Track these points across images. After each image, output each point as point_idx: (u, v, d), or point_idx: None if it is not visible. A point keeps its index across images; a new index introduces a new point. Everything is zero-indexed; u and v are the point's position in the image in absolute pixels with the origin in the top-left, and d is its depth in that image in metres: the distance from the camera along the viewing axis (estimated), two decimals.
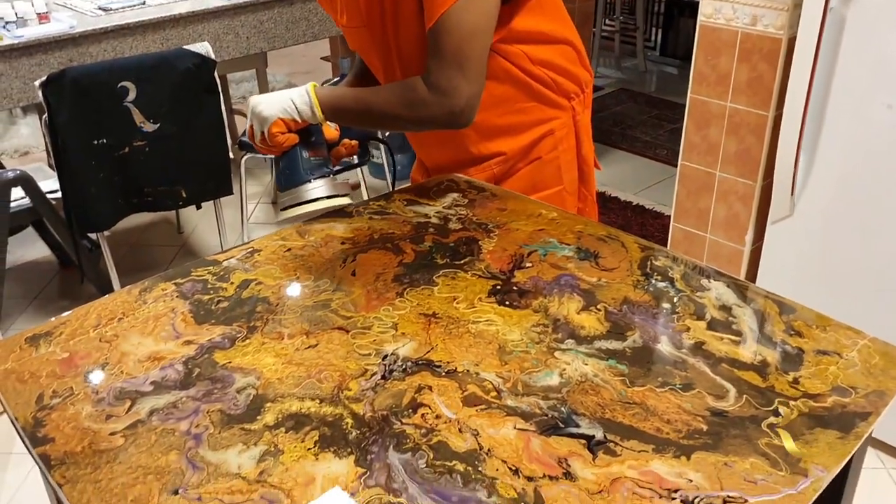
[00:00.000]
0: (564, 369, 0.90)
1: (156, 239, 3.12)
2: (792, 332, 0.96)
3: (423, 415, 0.84)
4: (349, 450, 0.80)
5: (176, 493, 0.76)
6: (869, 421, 0.81)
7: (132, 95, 2.22)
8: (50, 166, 2.50)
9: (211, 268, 1.14)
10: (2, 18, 2.47)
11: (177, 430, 0.84)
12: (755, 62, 1.97)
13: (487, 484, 0.75)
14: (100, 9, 2.71)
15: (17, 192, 2.31)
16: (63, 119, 2.15)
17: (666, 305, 1.02)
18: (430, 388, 0.88)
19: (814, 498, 0.73)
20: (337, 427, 0.83)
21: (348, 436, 0.82)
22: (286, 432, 0.83)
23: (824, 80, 1.76)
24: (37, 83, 2.12)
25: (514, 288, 1.06)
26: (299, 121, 1.22)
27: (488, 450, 0.79)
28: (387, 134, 2.61)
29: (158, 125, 2.28)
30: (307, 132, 1.25)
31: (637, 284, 1.07)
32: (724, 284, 1.06)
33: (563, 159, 1.38)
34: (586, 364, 0.91)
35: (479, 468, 0.77)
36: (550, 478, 0.76)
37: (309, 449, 0.80)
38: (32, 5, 2.52)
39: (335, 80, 3.06)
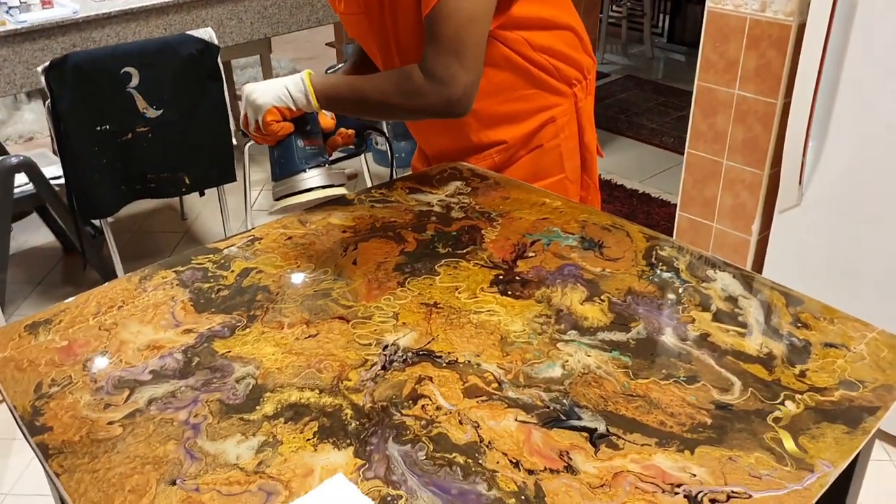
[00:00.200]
0: (567, 361, 0.89)
1: (159, 225, 3.11)
2: (799, 325, 0.95)
3: (423, 406, 0.83)
4: (348, 441, 0.79)
5: (173, 483, 0.75)
6: (877, 415, 0.80)
7: (135, 81, 2.21)
8: (54, 152, 2.49)
9: (211, 256, 1.13)
10: (5, 3, 2.45)
11: (175, 419, 0.83)
12: (764, 49, 1.95)
13: (487, 477, 0.74)
14: None
15: (20, 178, 2.30)
16: (65, 105, 2.13)
17: (671, 296, 1.01)
18: (430, 379, 0.87)
19: (820, 494, 0.71)
20: (336, 418, 0.82)
21: (347, 427, 0.81)
22: (285, 423, 0.82)
23: (834, 67, 1.73)
24: (39, 69, 2.11)
25: (517, 278, 1.05)
26: (294, 109, 1.20)
27: (489, 442, 0.78)
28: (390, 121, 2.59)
29: (161, 111, 2.27)
30: (302, 121, 1.24)
31: (641, 275, 1.05)
32: (730, 275, 1.05)
33: (565, 147, 1.36)
34: (589, 355, 0.90)
35: (480, 461, 0.76)
36: (551, 471, 0.75)
37: (308, 440, 0.79)
38: None
39: (339, 66, 3.04)
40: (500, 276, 1.05)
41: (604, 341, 0.92)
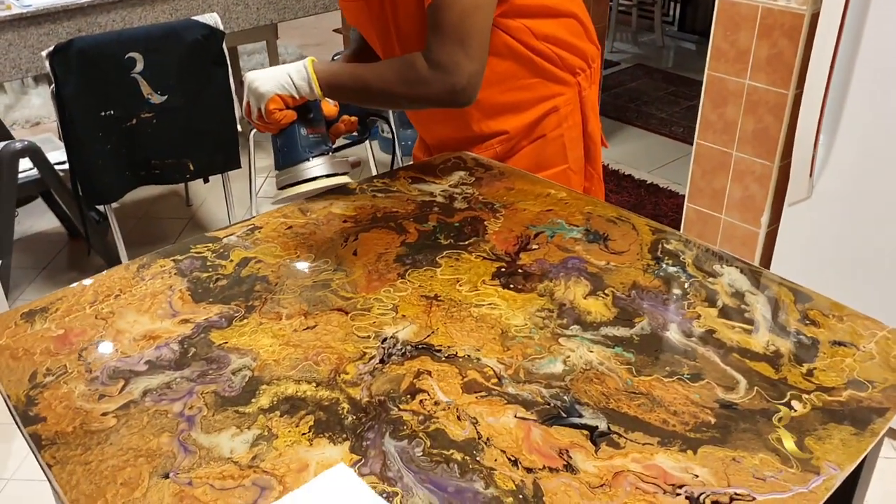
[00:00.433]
0: (568, 356, 0.88)
1: (164, 211, 3.10)
2: (807, 322, 0.93)
3: (421, 401, 0.82)
4: (344, 436, 0.78)
5: (166, 476, 0.74)
6: (886, 417, 0.78)
7: (140, 66, 2.20)
8: (60, 137, 2.48)
9: (211, 244, 1.12)
10: None
11: (170, 411, 0.82)
12: (776, 38, 1.91)
13: (485, 475, 0.73)
14: None
15: (25, 163, 2.29)
16: (70, 90, 2.12)
17: (676, 291, 0.99)
18: (429, 373, 0.85)
19: (825, 497, 0.70)
20: (333, 412, 0.81)
21: (344, 421, 0.79)
22: (281, 416, 0.80)
23: (847, 58, 1.70)
24: (44, 53, 2.09)
25: (519, 270, 1.03)
26: (297, 97, 1.18)
27: (487, 439, 0.77)
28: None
29: (166, 97, 2.26)
30: (305, 109, 1.22)
31: (647, 269, 1.03)
32: (738, 270, 1.03)
33: (568, 137, 1.34)
34: (591, 351, 0.88)
35: (477, 458, 0.75)
36: (550, 470, 0.73)
37: (303, 434, 0.78)
38: None
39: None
40: (503, 269, 1.03)
41: (607, 337, 0.91)
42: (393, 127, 2.67)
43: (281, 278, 1.03)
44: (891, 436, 1.93)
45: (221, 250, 1.10)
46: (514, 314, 0.95)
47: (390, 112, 2.88)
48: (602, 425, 0.78)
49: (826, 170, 1.83)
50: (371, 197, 1.24)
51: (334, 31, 5.16)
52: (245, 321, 0.95)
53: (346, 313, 0.96)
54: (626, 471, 0.73)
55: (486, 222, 1.15)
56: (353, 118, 1.31)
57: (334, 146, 1.28)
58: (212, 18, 2.27)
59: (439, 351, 0.89)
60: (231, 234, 1.14)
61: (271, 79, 1.17)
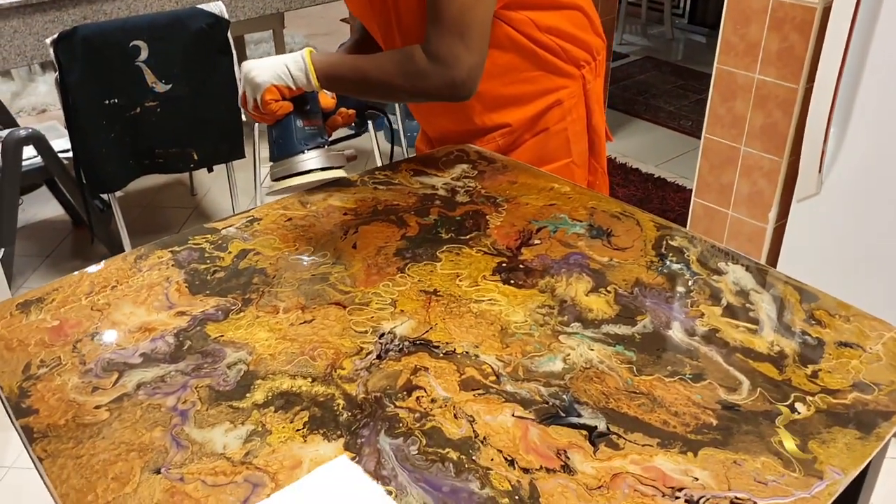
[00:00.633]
0: (569, 354, 0.86)
1: (169, 201, 3.10)
2: (812, 322, 0.91)
3: (417, 398, 0.80)
4: (339, 433, 0.76)
5: (158, 472, 0.73)
6: (892, 421, 0.76)
7: (144, 55, 2.18)
8: (65, 126, 2.48)
9: (209, 236, 1.11)
10: None
11: (163, 405, 0.81)
12: (786, 32, 1.88)
13: (481, 474, 0.72)
14: None
15: (29, 151, 2.29)
16: (74, 78, 2.11)
17: (680, 289, 0.97)
18: (426, 369, 0.84)
19: (829, 503, 0.68)
20: (328, 408, 0.80)
21: (339, 418, 0.78)
22: (275, 412, 0.79)
23: (859, 52, 1.67)
24: (48, 41, 2.08)
25: (521, 266, 1.02)
26: (294, 88, 1.17)
27: (484, 438, 0.75)
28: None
29: (170, 86, 2.24)
30: (302, 100, 1.20)
31: (650, 265, 1.02)
32: (743, 268, 1.01)
33: (572, 130, 1.32)
34: (592, 349, 0.87)
35: (473, 457, 0.73)
36: (547, 470, 0.72)
37: (297, 430, 0.77)
38: None
39: None
40: (504, 264, 1.02)
41: (608, 335, 0.89)
42: (397, 118, 2.65)
43: (279, 271, 1.02)
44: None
45: (220, 242, 1.09)
46: (515, 310, 0.93)
47: (395, 105, 2.86)
48: (601, 425, 0.77)
49: (835, 166, 1.80)
50: (372, 189, 1.22)
51: (342, 20, 5.14)
52: (242, 314, 0.94)
53: (344, 307, 0.95)
54: (625, 472, 0.71)
55: (487, 216, 1.13)
56: (351, 111, 1.29)
57: (331, 139, 1.26)
58: (217, 7, 2.25)
59: (437, 347, 0.88)
60: (230, 226, 1.13)
61: (268, 69, 1.16)
